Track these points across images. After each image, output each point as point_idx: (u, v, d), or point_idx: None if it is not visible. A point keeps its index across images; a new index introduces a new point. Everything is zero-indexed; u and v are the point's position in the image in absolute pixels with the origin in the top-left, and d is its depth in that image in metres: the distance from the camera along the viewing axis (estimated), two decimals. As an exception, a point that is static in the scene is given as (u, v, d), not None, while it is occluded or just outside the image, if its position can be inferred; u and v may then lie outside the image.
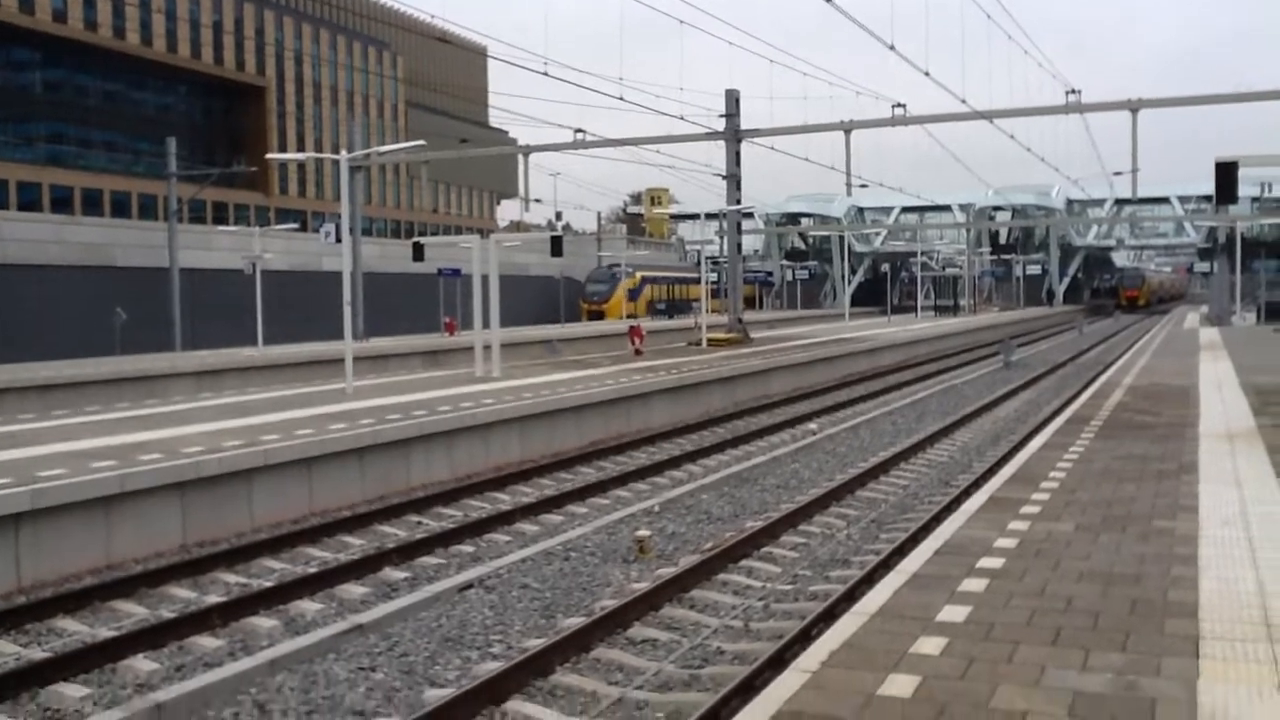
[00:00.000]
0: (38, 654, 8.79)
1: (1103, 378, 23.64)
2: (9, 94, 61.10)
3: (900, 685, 5.33)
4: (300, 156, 30.86)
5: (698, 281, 69.47)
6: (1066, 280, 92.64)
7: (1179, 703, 5.05)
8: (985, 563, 7.59)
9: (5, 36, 58.88)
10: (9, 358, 30.14)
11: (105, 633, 9.27)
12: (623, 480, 15.92)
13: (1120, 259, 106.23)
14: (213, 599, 10.15)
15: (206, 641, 9.06)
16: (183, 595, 10.45)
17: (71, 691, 7.96)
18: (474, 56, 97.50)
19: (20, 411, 20.27)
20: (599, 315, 62.57)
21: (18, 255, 37.31)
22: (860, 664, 5.64)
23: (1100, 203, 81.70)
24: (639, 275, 66.46)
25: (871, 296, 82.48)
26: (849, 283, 76.52)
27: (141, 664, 8.53)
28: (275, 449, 13.69)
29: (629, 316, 57.88)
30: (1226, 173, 13.89)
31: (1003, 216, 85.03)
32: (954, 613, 6.47)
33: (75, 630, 9.44)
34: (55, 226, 41.88)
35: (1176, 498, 9.75)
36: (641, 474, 16.40)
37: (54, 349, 32.75)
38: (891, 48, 25.31)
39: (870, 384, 30.60)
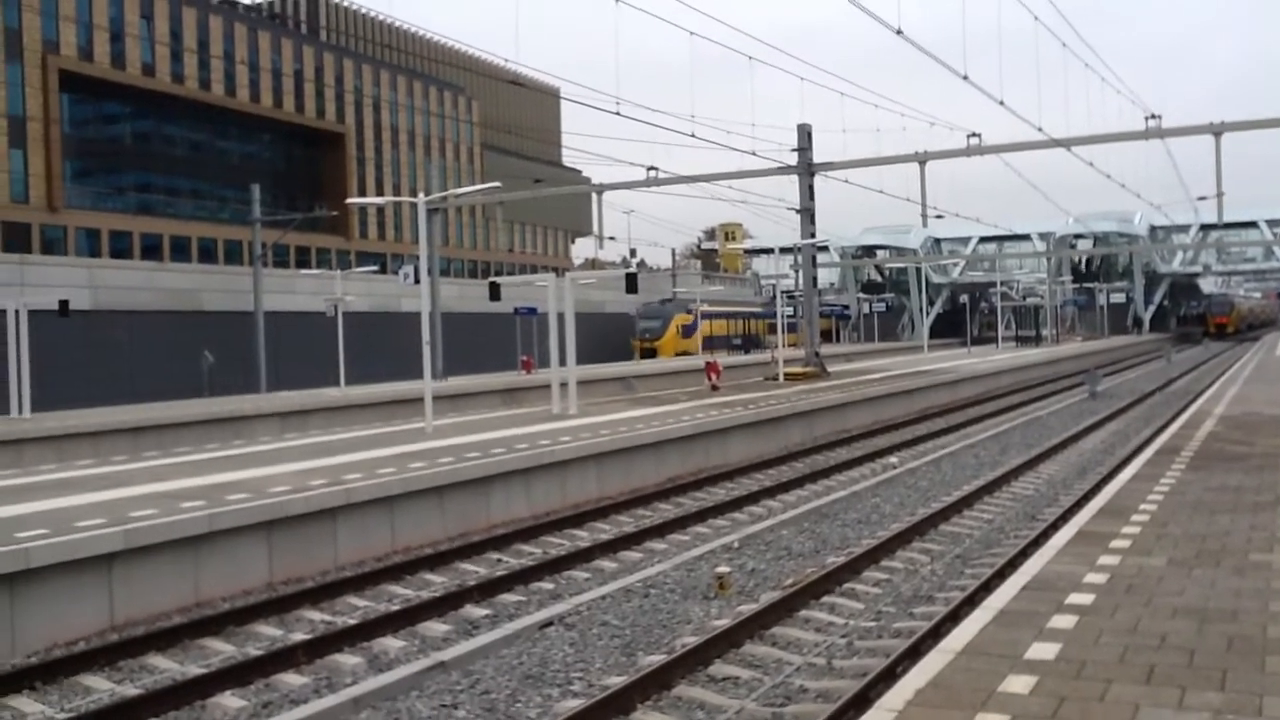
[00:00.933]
0: (130, 691, 8.98)
1: (1193, 407, 23.04)
2: (101, 146, 63.22)
3: (989, 724, 5.22)
4: (379, 200, 31.41)
5: (764, 316, 68.52)
6: (1152, 308, 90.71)
7: (1283, 743, 4.87)
8: (1074, 599, 7.41)
9: (98, 91, 61.00)
10: (102, 401, 31.04)
11: (194, 670, 9.43)
12: (701, 516, 15.86)
13: (1207, 285, 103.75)
14: (298, 636, 10.29)
15: (292, 679, 9.18)
16: (269, 633, 10.61)
17: (163, 728, 8.12)
18: (546, 98, 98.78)
19: (113, 453, 20.84)
20: (651, 353, 60.66)
21: (110, 301, 38.44)
22: (947, 703, 5.53)
23: (1185, 228, 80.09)
24: (696, 310, 64.47)
25: (950, 328, 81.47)
26: (926, 314, 75.71)
27: (229, 701, 8.67)
28: (358, 488, 13.89)
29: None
30: (1317, 195, 13.48)
31: (1084, 244, 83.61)
32: (1043, 650, 6.32)
33: (166, 668, 9.63)
34: (146, 273, 43.12)
35: (1273, 530, 9.45)
36: (720, 510, 16.33)
37: (145, 392, 33.65)
38: (965, 77, 25.13)
39: (951, 417, 30.17)
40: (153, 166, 66.13)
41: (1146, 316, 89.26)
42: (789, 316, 71.73)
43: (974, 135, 32.32)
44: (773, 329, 68.34)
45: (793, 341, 64.22)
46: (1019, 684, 5.77)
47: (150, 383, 35.78)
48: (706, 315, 64.78)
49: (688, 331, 61.88)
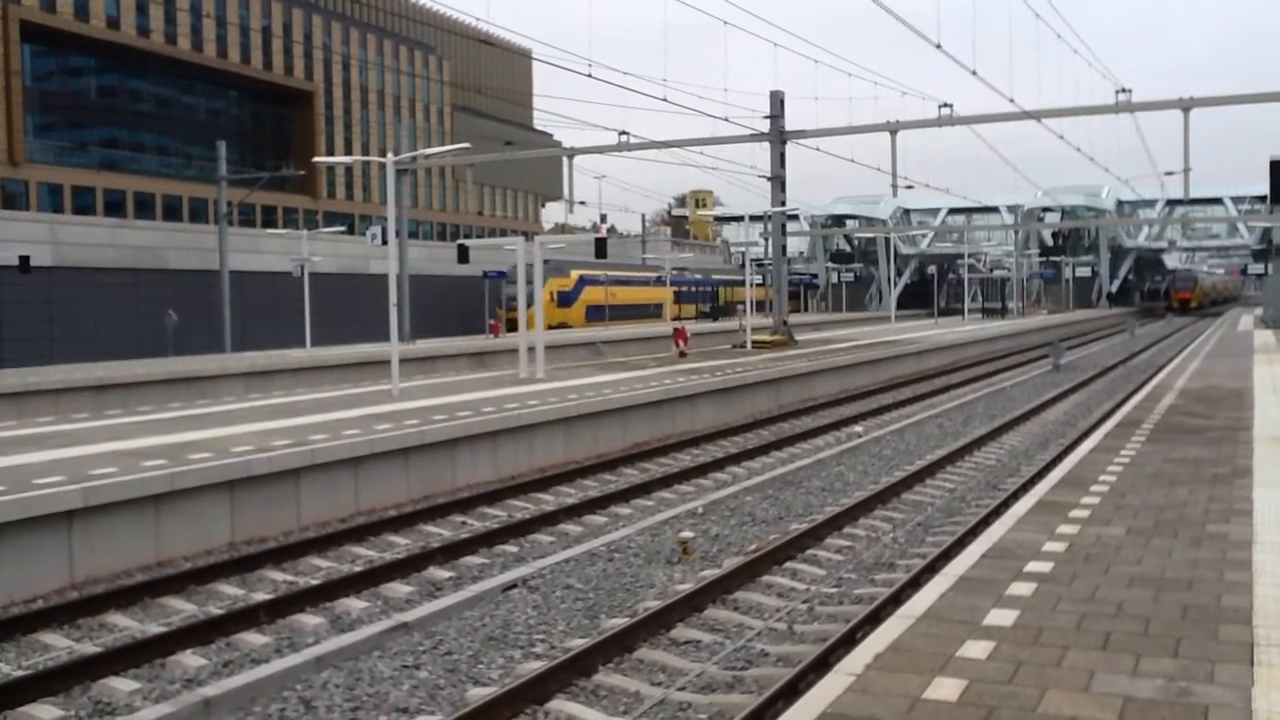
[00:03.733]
0: (89, 648, 8.92)
1: (1154, 380, 23.29)
2: (64, 99, 62.14)
3: (946, 689, 5.28)
4: (347, 160, 31.13)
5: (659, 283, 62.11)
6: (1117, 282, 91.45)
7: (1233, 709, 4.96)
8: (1033, 566, 7.50)
9: (61, 44, 59.91)
10: (64, 358, 30.69)
11: (155, 629, 9.39)
12: (667, 482, 15.91)
13: (1172, 261, 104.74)
14: (260, 596, 10.25)
15: (254, 638, 9.15)
16: (231, 592, 10.57)
17: (122, 685, 8.08)
18: (518, 59, 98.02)
19: (74, 411, 20.62)
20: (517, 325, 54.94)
21: (73, 258, 37.93)
22: (906, 667, 5.59)
23: (1152, 203, 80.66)
24: (575, 275, 55.64)
25: (918, 299, 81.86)
26: (895, 285, 75.97)
27: (190, 660, 8.63)
28: (322, 449, 13.82)
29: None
30: (1282, 172, 13.60)
31: (1052, 218, 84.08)
32: (1001, 616, 6.40)
33: (126, 626, 9.58)
34: (109, 230, 42.53)
35: (1230, 502, 9.58)
36: (686, 476, 16.38)
37: (107, 350, 33.30)
38: (938, 46, 25.10)
39: (917, 387, 30.36)
40: (117, 121, 65.12)
41: (1110, 291, 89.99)
42: (700, 285, 69.47)
43: (945, 106, 32.34)
44: (686, 299, 66.10)
45: (684, 314, 62.82)
46: (977, 649, 5.84)
47: (113, 341, 35.41)
48: (592, 281, 56.46)
49: (565, 299, 53.85)
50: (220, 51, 69.69)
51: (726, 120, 34.06)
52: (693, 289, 69.56)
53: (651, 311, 61.08)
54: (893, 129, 33.82)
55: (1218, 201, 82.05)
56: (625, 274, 61.90)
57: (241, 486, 12.71)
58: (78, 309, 36.91)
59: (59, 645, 9.08)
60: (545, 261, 51.95)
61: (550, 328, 46.51)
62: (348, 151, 76.70)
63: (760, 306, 66.52)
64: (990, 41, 38.75)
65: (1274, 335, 41.09)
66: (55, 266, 36.59)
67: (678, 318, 57.02)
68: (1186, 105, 30.02)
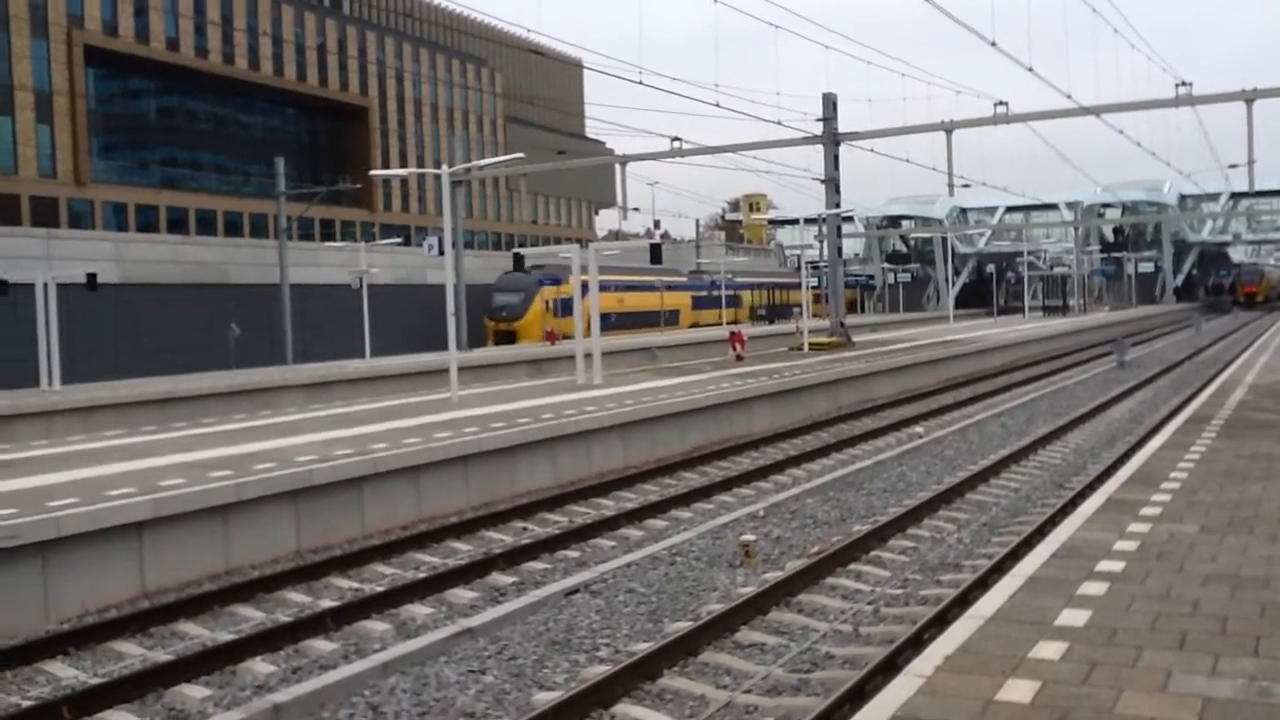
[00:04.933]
0: (162, 656, 9.07)
1: (1222, 376, 22.82)
2: (126, 120, 63.44)
3: (1019, 691, 5.19)
4: (403, 172, 31.41)
5: (681, 289, 58.49)
6: (1181, 277, 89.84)
7: (1318, 709, 4.82)
8: (1105, 566, 7.36)
9: (122, 66, 61.19)
10: (130, 373, 31.28)
11: (225, 636, 9.52)
12: (726, 485, 15.85)
13: (1237, 255, 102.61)
14: (327, 603, 10.36)
15: (321, 645, 9.24)
16: (298, 600, 10.68)
17: (194, 693, 8.20)
18: (569, 69, 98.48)
19: (142, 424, 21.00)
20: (509, 337, 48.33)
21: (137, 275, 38.69)
22: (977, 669, 5.51)
23: (1215, 197, 79.17)
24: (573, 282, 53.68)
25: (976, 298, 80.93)
26: (952, 284, 75.17)
27: (260, 666, 8.74)
28: (384, 457, 13.94)
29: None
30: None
31: (1112, 214, 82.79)
32: (1073, 617, 6.28)
33: (196, 634, 9.72)
34: (172, 247, 43.33)
35: (1307, 498, 9.34)
36: (745, 479, 16.31)
37: (172, 364, 33.89)
38: (993, 44, 24.82)
39: (977, 386, 30.00)
40: (177, 141, 66.35)
41: (1174, 285, 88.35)
42: (714, 290, 61.60)
43: (1001, 104, 31.96)
44: (700, 303, 60.73)
45: (732, 318, 58.77)
46: (1050, 650, 5.73)
47: (177, 355, 36.02)
48: (600, 287, 53.17)
49: (564, 308, 47.94)
50: (277, 69, 70.75)
51: (779, 124, 33.99)
52: (715, 293, 62.64)
53: (666, 319, 55.89)
54: (948, 128, 33.47)
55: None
56: (635, 278, 55.66)
57: (305, 496, 12.85)
58: (142, 324, 37.63)
59: (132, 653, 9.24)
60: (538, 267, 48.79)
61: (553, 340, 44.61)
62: (402, 164, 77.49)
63: (779, 314, 65.09)
64: (1046, 38, 38.30)
65: (1346, 328, 40.08)
66: (121, 283, 37.33)
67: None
68: (1250, 97, 29.42)
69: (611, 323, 47.58)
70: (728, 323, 56.93)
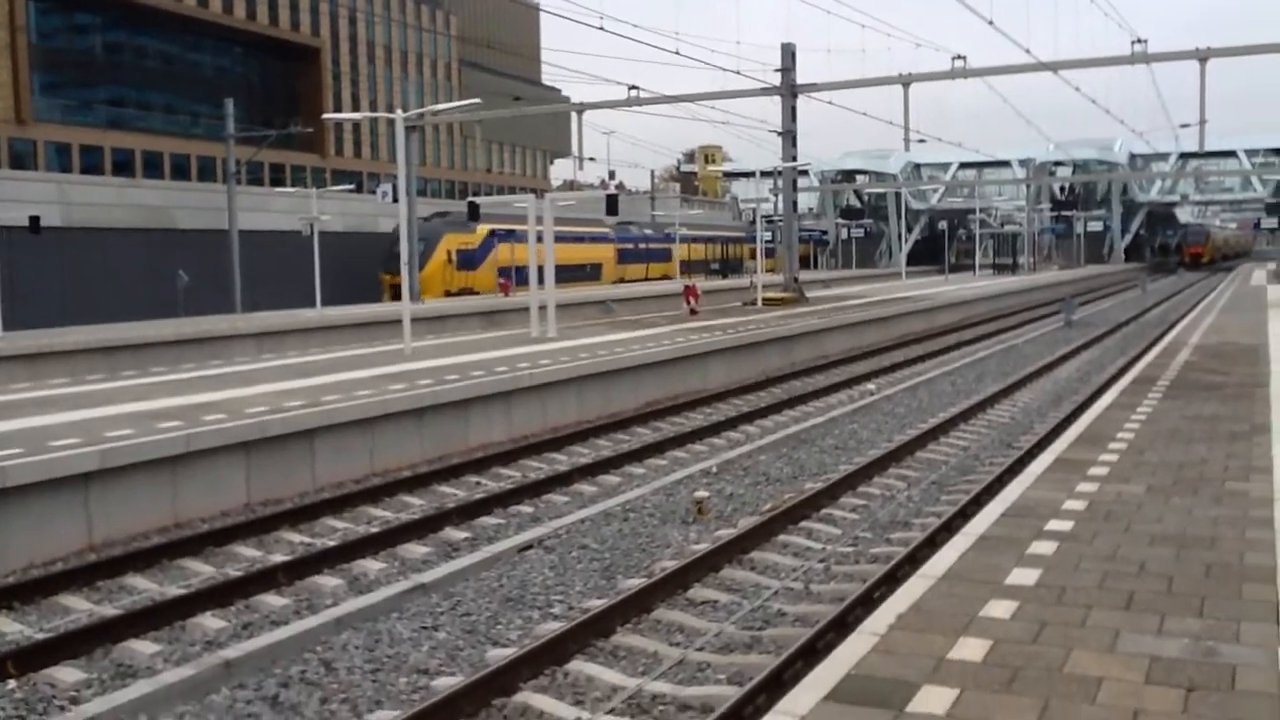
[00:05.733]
0: (109, 611, 8.97)
1: (1168, 337, 23.16)
2: (70, 57, 61.79)
3: (971, 649, 5.26)
4: (356, 116, 30.91)
5: (605, 240, 54.82)
6: (1129, 237, 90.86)
7: (1260, 669, 4.93)
8: (1054, 525, 7.46)
9: (66, 1, 59.54)
10: (75, 320, 30.69)
11: (174, 591, 9.43)
12: (680, 441, 15.90)
13: (1184, 215, 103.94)
14: (278, 558, 10.29)
15: (273, 600, 9.19)
16: (248, 554, 10.60)
17: (143, 648, 8.13)
18: (526, 12, 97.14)
19: (88, 372, 20.66)
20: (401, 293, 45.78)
21: (82, 218, 37.84)
22: (929, 627, 5.57)
23: (1165, 157, 79.89)
24: (483, 229, 45.92)
25: (928, 255, 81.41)
26: (905, 241, 75.54)
27: (210, 621, 8.67)
28: (336, 409, 13.82)
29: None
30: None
31: (1063, 172, 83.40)
32: (1024, 576, 6.37)
33: (145, 588, 9.62)
34: (117, 190, 42.39)
35: (1250, 459, 9.52)
36: (699, 435, 16.37)
37: (118, 311, 33.28)
38: (953, -2, 24.73)
39: (928, 344, 30.26)
40: (123, 79, 64.79)
41: (1122, 246, 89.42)
42: (652, 242, 60.31)
43: (959, 58, 31.96)
44: (626, 256, 57.65)
45: (661, 274, 58.07)
46: (1000, 609, 5.81)
47: (124, 302, 35.38)
48: (509, 237, 46.22)
49: (467, 260, 44.93)
50: (226, 7, 69.19)
51: (738, 74, 33.82)
52: (643, 246, 60.85)
53: (589, 273, 52.57)
54: (905, 81, 33.42)
55: (1231, 155, 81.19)
56: (557, 229, 53.80)
57: (257, 448, 12.72)
58: (88, 270, 36.88)
59: (79, 608, 9.13)
60: (443, 214, 45.64)
61: (450, 294, 41.55)
62: (355, 108, 76.26)
63: (732, 269, 64.07)
64: (1006, -9, 38.20)
65: (1288, 289, 40.79)
66: (64, 227, 36.53)
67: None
68: (1203, 56, 29.61)
69: (524, 277, 43.34)
70: (654, 279, 55.13)
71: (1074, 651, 5.21)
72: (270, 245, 41.96)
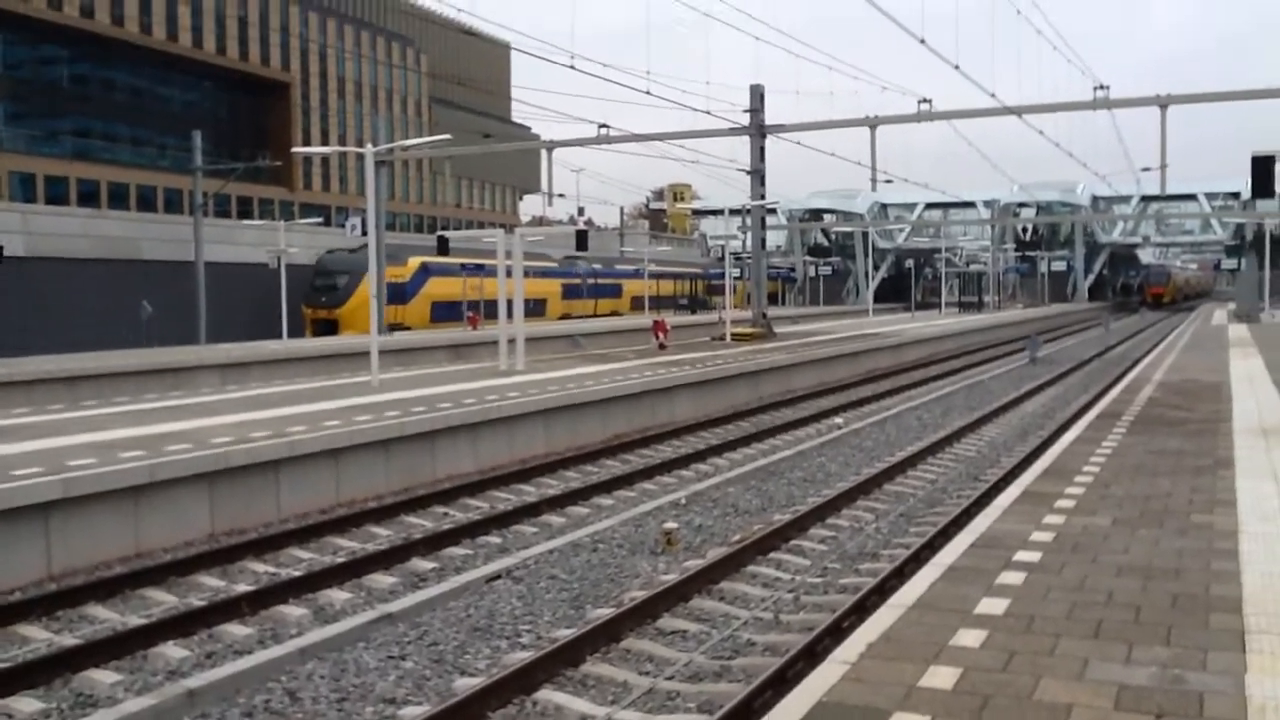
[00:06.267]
0: (69, 640, 8.81)
1: (1131, 374, 23.41)
2: (37, 88, 61.53)
3: (942, 677, 5.26)
4: (325, 150, 30.88)
5: (551, 275, 52.81)
6: (1091, 277, 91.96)
7: (1227, 696, 4.96)
8: (1022, 556, 7.50)
9: (34, 32, 59.31)
10: (37, 349, 30.32)
11: (136, 620, 9.28)
12: (648, 473, 15.87)
13: (1146, 256, 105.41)
14: (242, 588, 10.15)
15: (236, 629, 9.06)
16: (212, 584, 10.46)
17: (103, 677, 7.98)
18: (497, 50, 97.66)
19: (50, 402, 20.40)
20: (329, 327, 41.09)
21: (46, 248, 37.54)
22: (899, 656, 5.57)
23: (1127, 199, 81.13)
24: (414, 263, 44.11)
25: (895, 293, 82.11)
26: (872, 279, 76.14)
27: (172, 651, 8.54)
28: (302, 440, 13.70)
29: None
30: (1264, 166, 13.77)
31: (1027, 213, 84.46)
32: (993, 605, 6.39)
33: (106, 618, 9.46)
34: (82, 220, 42.11)
35: (1214, 493, 9.61)
36: (667, 467, 16.35)
37: (81, 342, 32.94)
38: (922, 41, 25.14)
39: (895, 379, 30.44)
40: (91, 111, 64.55)
41: (1085, 285, 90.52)
42: (604, 277, 58.75)
43: (925, 101, 32.41)
44: (572, 292, 55.72)
45: (611, 310, 56.57)
46: (970, 638, 5.82)
47: (86, 332, 35.04)
48: (443, 271, 44.20)
49: (399, 294, 42.54)
50: (196, 41, 69.15)
51: (708, 114, 34.10)
52: (590, 281, 58.36)
53: (531, 309, 44.79)
54: (872, 124, 33.85)
55: (1191, 198, 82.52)
56: (495, 262, 51.26)
57: (220, 478, 12.58)
58: (51, 300, 36.54)
59: (38, 637, 8.96)
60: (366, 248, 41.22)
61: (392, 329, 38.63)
62: (324, 142, 76.23)
63: (699, 304, 62.97)
64: (972, 38, 38.86)
65: (1247, 329, 41.42)
66: (27, 257, 36.20)
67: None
68: (1164, 102, 30.17)
69: (464, 314, 43.48)
70: (604, 314, 52.93)
71: (1043, 679, 5.23)
72: (237, 277, 41.74)
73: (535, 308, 49.02)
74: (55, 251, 37.81)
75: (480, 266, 44.30)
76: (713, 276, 69.44)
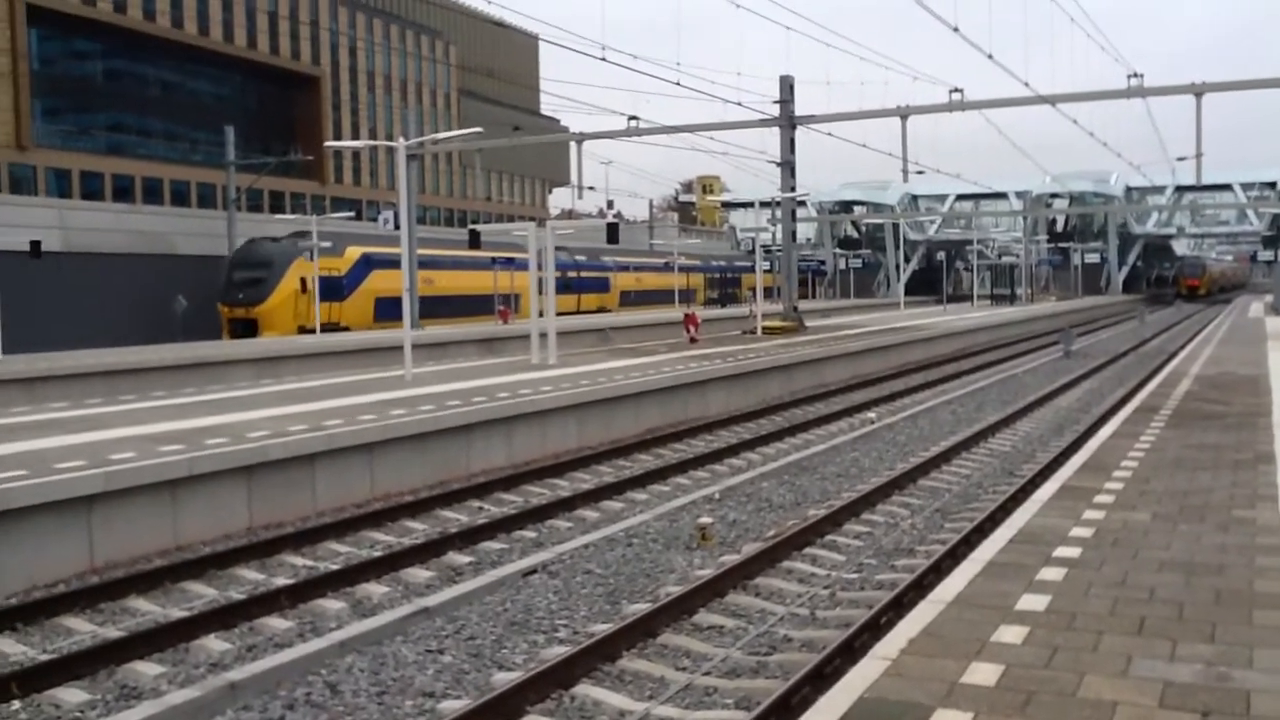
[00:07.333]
0: (113, 632, 8.93)
1: (1168, 367, 23.21)
2: (71, 83, 62.09)
3: (984, 674, 5.25)
4: (358, 144, 30.93)
5: (519, 266, 43.62)
6: (1125, 269, 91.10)
7: (1275, 695, 4.92)
8: (1062, 552, 7.46)
9: (67, 27, 59.84)
10: (75, 344, 30.69)
11: (177, 613, 9.38)
12: (682, 468, 15.87)
13: (1180, 247, 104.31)
14: (281, 581, 10.25)
15: (276, 622, 9.15)
16: (251, 577, 10.56)
17: (146, 670, 8.08)
18: (527, 42, 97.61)
19: (87, 396, 20.63)
20: (248, 327, 36.65)
21: (81, 243, 37.94)
22: (941, 652, 5.56)
23: (1161, 190, 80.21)
24: (353, 253, 39.81)
25: (926, 285, 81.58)
26: (902, 271, 75.72)
27: (214, 644, 8.63)
28: (338, 434, 13.80)
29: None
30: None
31: (1060, 204, 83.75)
32: (1033, 601, 6.36)
33: (148, 610, 9.57)
34: (117, 215, 42.53)
35: (1255, 487, 9.53)
36: (700, 462, 16.34)
37: (117, 336, 33.31)
38: (955, 29, 24.97)
39: (927, 373, 30.29)
40: (124, 106, 65.07)
41: (1120, 278, 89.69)
42: (588, 270, 53.73)
43: (956, 91, 32.18)
44: (565, 287, 48.46)
45: (597, 305, 53.52)
46: (1011, 634, 5.80)
47: (122, 327, 35.42)
48: (386, 263, 38.66)
49: (332, 290, 38.06)
50: (227, 35, 69.56)
51: (739, 105, 34.05)
52: (572, 275, 52.65)
53: (500, 304, 43.06)
54: (903, 114, 33.62)
55: (1227, 188, 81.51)
56: (449, 253, 44.18)
57: (259, 471, 12.69)
58: (87, 294, 36.92)
59: (82, 629, 9.08)
60: (302, 233, 37.54)
61: (305, 330, 35.92)
62: (354, 136, 76.55)
63: (729, 298, 61.78)
64: (1006, 26, 38.55)
65: (1285, 322, 40.91)
66: (64, 252, 36.59)
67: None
68: (1199, 90, 29.82)
69: (415, 312, 34.93)
70: (588, 311, 50.22)
71: (1087, 676, 5.20)
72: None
73: (506, 302, 43.24)
74: (91, 246, 38.21)
75: (435, 260, 41.54)
76: (743, 269, 69.17)
